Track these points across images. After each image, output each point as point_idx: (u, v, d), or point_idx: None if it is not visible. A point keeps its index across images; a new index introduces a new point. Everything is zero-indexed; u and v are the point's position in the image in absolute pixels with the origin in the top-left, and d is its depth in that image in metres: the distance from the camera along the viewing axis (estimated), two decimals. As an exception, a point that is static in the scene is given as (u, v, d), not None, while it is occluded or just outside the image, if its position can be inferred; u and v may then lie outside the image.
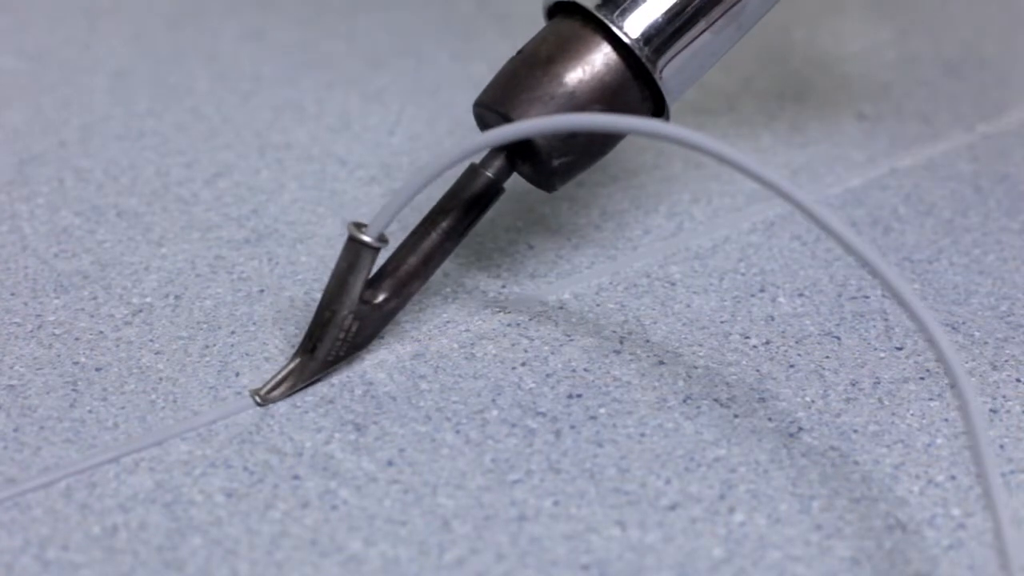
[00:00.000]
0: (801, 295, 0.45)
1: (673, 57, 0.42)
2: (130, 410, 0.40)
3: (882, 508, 0.37)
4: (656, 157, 0.52)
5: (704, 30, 0.42)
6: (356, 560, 0.36)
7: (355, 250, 0.40)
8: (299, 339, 0.42)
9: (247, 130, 0.53)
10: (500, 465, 0.38)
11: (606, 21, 0.41)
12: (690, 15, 0.42)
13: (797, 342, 0.43)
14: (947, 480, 0.38)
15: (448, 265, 0.45)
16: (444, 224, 0.41)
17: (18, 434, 0.39)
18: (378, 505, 0.37)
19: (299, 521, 0.37)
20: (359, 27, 0.61)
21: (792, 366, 0.42)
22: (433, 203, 0.42)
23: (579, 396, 0.41)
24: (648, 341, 0.43)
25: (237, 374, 0.41)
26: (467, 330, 0.43)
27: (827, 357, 0.42)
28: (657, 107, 0.43)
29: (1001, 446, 0.39)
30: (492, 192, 0.42)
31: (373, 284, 0.41)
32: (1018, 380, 0.42)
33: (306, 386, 0.41)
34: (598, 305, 0.44)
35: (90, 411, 0.40)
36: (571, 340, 0.43)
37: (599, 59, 0.41)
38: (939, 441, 0.39)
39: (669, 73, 0.42)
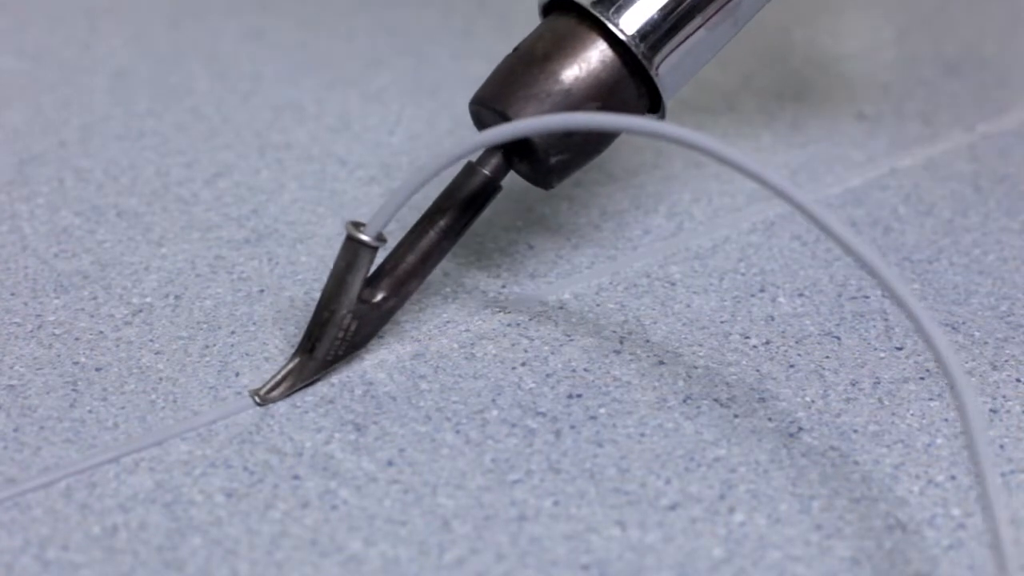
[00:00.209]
0: (801, 295, 0.45)
1: (669, 54, 0.42)
2: (130, 410, 0.40)
3: (882, 508, 0.37)
4: (656, 157, 0.52)
5: (700, 26, 0.42)
6: (356, 560, 0.36)
7: (353, 249, 0.40)
8: (299, 339, 0.42)
9: (247, 130, 0.53)
10: (500, 465, 0.38)
11: (602, 18, 0.41)
12: (685, 11, 0.42)
13: (797, 342, 0.43)
14: (947, 480, 0.38)
15: (448, 265, 0.45)
16: (442, 223, 0.41)
17: (18, 434, 0.39)
18: (378, 505, 0.37)
19: (299, 521, 0.37)
20: (359, 27, 0.61)
21: (792, 366, 0.42)
22: (430, 202, 0.42)
23: (579, 396, 0.41)
24: (648, 341, 0.43)
25: (237, 374, 0.41)
26: (467, 330, 0.43)
27: (827, 357, 0.42)
28: (653, 103, 0.43)
29: (1001, 446, 0.39)
30: (489, 190, 0.42)
31: (371, 283, 0.41)
32: (1018, 380, 0.42)
33: (306, 386, 0.41)
34: (598, 305, 0.44)
35: (90, 411, 0.40)
36: (571, 340, 0.43)
37: (595, 56, 0.41)
38: (939, 441, 0.39)
39: (665, 70, 0.42)
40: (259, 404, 0.40)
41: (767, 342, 0.43)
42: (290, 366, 0.41)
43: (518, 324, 0.44)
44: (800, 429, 0.40)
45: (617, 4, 0.41)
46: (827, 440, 0.39)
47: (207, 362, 0.42)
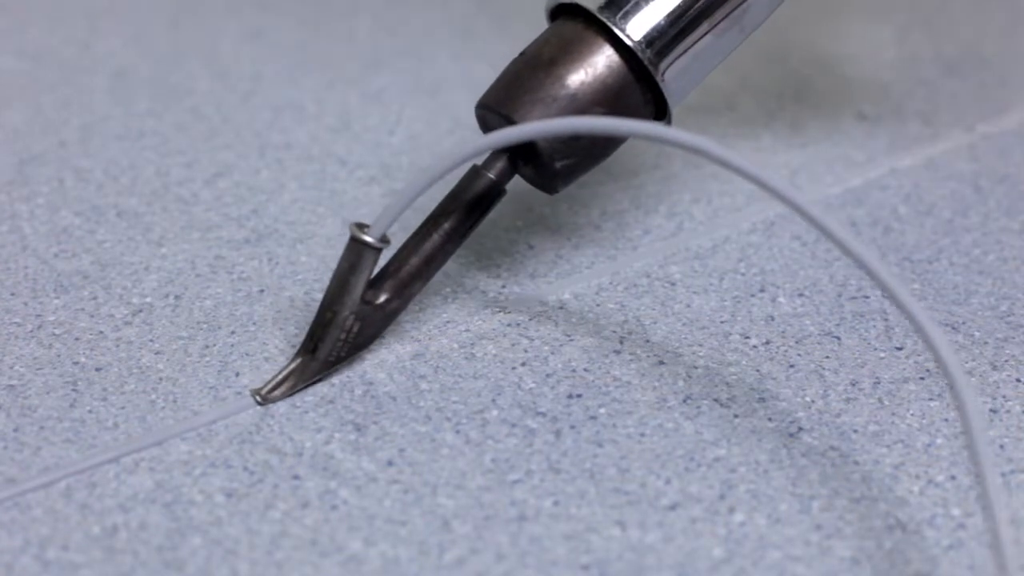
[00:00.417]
0: (801, 295, 0.45)
1: (675, 60, 0.42)
2: (130, 410, 0.40)
3: (882, 508, 0.37)
4: (656, 157, 0.52)
5: (706, 33, 0.42)
6: (356, 560, 0.36)
7: (357, 251, 0.40)
8: (299, 339, 0.42)
9: (247, 130, 0.53)
10: (500, 465, 0.38)
11: (608, 23, 0.41)
12: (692, 18, 0.42)
13: (797, 342, 0.43)
14: (947, 480, 0.38)
15: (448, 265, 0.45)
16: (446, 225, 0.41)
17: (18, 434, 0.39)
18: (378, 505, 0.37)
19: (299, 521, 0.37)
20: (359, 27, 0.61)
21: (792, 366, 0.42)
22: (434, 204, 0.42)
23: (579, 396, 0.41)
24: (648, 341, 0.43)
25: (237, 374, 0.41)
26: (467, 330, 0.43)
27: (827, 357, 0.42)
28: (659, 110, 0.43)
29: (1001, 446, 0.39)
30: (494, 194, 0.42)
31: (375, 285, 0.41)
32: (1018, 380, 0.42)
33: (307, 386, 0.41)
34: (598, 305, 0.44)
35: (90, 411, 0.40)
36: (571, 340, 0.43)
37: (601, 61, 0.41)
38: (939, 441, 0.39)
39: (671, 76, 0.42)
40: (260, 404, 0.40)
41: (767, 342, 0.43)
42: (292, 366, 0.41)
43: (518, 324, 0.44)
44: (800, 429, 0.40)
45: (624, 10, 0.41)
46: (827, 440, 0.39)
47: (207, 362, 0.42)
